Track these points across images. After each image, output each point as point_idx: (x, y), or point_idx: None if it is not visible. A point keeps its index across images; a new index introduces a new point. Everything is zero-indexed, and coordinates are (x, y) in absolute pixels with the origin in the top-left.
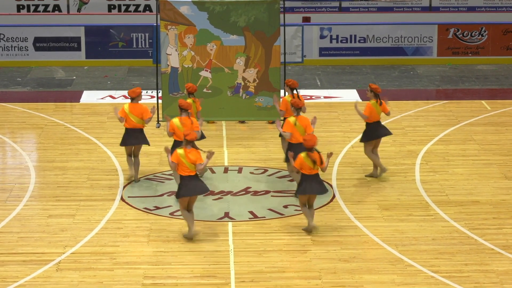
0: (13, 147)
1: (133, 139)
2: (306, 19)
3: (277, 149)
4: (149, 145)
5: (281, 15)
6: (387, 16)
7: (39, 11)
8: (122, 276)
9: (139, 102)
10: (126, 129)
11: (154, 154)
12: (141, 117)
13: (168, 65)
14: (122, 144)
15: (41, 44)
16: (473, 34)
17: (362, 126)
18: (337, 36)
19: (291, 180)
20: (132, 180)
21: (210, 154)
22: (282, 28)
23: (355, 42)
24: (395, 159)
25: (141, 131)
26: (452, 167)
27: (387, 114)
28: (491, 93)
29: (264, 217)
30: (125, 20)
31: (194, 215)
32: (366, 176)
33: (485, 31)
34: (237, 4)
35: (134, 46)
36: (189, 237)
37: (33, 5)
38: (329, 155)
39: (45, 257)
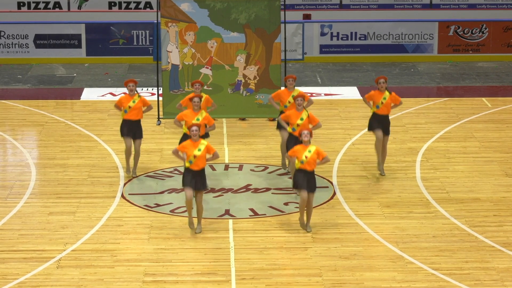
0: (14, 145)
1: None
2: (307, 16)
3: (277, 146)
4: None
5: (282, 12)
6: (387, 13)
7: (40, 9)
8: (122, 273)
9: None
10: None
11: (155, 151)
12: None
13: (169, 62)
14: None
15: (42, 41)
16: (473, 31)
17: (363, 123)
18: (338, 33)
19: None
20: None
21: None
22: (282, 25)
23: (355, 39)
24: (395, 156)
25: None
26: (452, 164)
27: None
28: (491, 90)
29: (265, 214)
30: (126, 17)
31: (199, 213)
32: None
33: (485, 28)
34: (237, 1)
35: (135, 43)
36: (190, 227)
37: (33, 2)
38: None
39: (46, 255)
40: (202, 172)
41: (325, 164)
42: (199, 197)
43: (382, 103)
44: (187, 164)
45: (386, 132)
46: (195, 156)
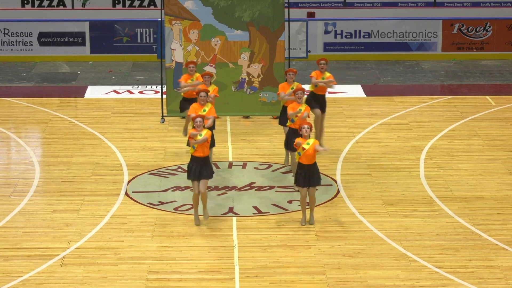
0: (18, 142)
1: None
2: (311, 14)
3: (281, 144)
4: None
5: (286, 10)
6: (391, 11)
7: (44, 6)
8: (126, 271)
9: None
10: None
11: (159, 149)
12: None
13: (173, 60)
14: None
15: (46, 39)
16: (477, 30)
17: (367, 121)
18: (342, 31)
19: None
20: None
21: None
22: (286, 23)
23: (359, 37)
24: (399, 154)
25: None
26: (456, 162)
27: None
28: (495, 88)
29: (269, 212)
30: (130, 15)
31: (204, 199)
32: None
33: (489, 27)
34: None
35: (139, 41)
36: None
37: (37, 0)
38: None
39: (50, 252)
40: (206, 159)
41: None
42: (203, 185)
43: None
44: (191, 151)
45: (323, 110)
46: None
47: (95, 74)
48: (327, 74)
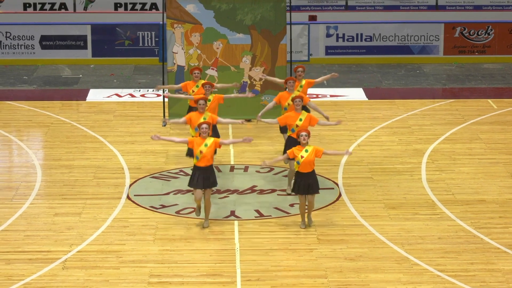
0: (20, 146)
1: None
2: (313, 18)
3: (283, 147)
4: None
5: (287, 14)
6: (393, 15)
7: (46, 10)
8: (128, 274)
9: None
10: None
11: (160, 152)
12: None
13: (174, 64)
14: None
15: (48, 42)
16: (479, 33)
17: (368, 125)
18: (344, 34)
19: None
20: None
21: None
22: (288, 26)
23: (361, 40)
24: (401, 158)
25: None
26: (458, 166)
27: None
28: (497, 91)
29: (270, 215)
30: (132, 18)
31: (207, 208)
32: None
33: (491, 30)
34: (243, 2)
35: (141, 44)
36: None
37: (39, 3)
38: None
39: (51, 256)
40: (210, 169)
41: (336, 155)
42: (207, 193)
43: (298, 90)
44: (194, 161)
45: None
46: (201, 152)
47: (97, 77)
48: (303, 82)
